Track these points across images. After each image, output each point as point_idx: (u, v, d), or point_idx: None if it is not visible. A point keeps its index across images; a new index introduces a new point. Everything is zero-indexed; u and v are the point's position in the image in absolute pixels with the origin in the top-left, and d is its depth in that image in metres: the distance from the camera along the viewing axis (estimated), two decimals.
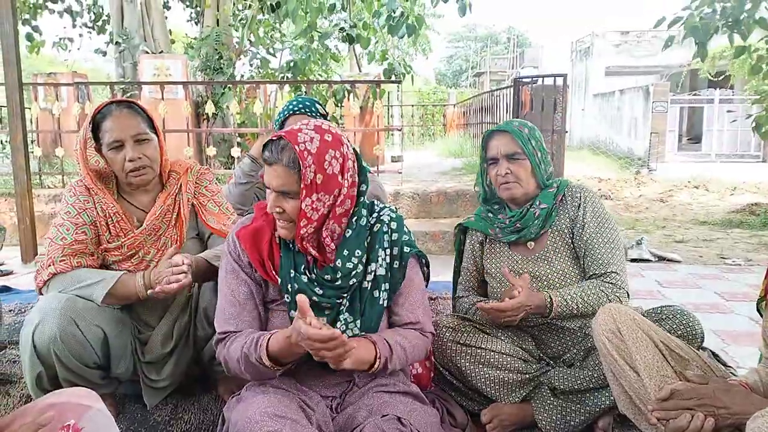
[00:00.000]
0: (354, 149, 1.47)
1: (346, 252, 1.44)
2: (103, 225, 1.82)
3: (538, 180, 1.87)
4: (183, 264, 1.66)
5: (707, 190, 9.74)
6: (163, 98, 5.15)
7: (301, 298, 1.25)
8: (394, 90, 11.82)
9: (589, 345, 1.77)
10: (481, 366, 1.76)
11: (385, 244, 1.50)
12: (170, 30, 9.08)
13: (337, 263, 1.44)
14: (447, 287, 2.28)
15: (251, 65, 8.70)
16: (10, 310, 2.90)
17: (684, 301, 3.29)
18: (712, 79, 13.53)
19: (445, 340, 1.80)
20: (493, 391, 1.77)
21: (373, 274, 1.48)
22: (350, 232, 1.46)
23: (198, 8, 9.14)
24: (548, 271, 1.86)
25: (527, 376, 1.78)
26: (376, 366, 1.39)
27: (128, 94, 6.57)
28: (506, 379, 1.76)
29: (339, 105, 7.13)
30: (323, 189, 1.36)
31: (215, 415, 1.87)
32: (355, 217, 1.46)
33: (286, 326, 1.43)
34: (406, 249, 1.52)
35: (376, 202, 1.57)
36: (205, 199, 1.98)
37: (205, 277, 1.78)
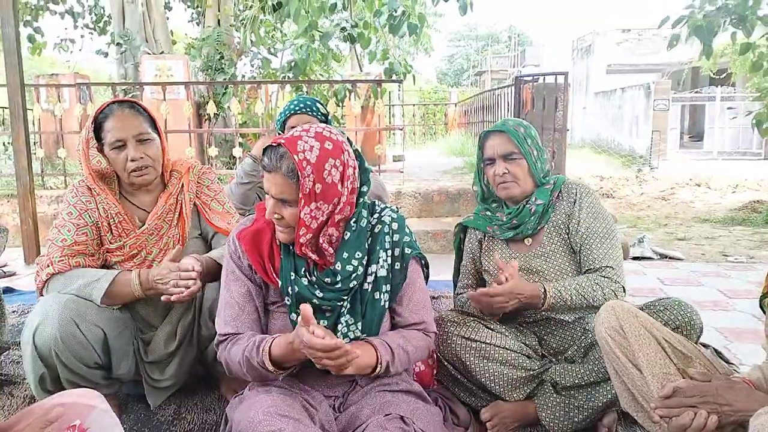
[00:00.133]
0: (356, 150, 1.46)
1: (345, 255, 1.44)
2: (105, 225, 1.82)
3: (535, 178, 1.88)
4: (193, 270, 1.65)
5: (709, 187, 9.73)
6: (164, 99, 5.15)
7: (305, 307, 1.24)
8: (395, 89, 11.83)
9: (590, 341, 1.78)
10: (486, 361, 1.76)
11: (387, 246, 1.49)
12: (171, 30, 9.10)
13: (336, 266, 1.43)
14: (449, 286, 2.29)
15: (252, 65, 8.72)
16: (13, 311, 2.90)
17: (686, 298, 3.28)
18: (713, 76, 13.51)
19: (450, 333, 1.80)
20: (498, 388, 1.76)
21: (373, 275, 1.47)
22: (349, 234, 1.45)
23: (199, 9, 9.15)
24: (545, 266, 1.86)
25: (532, 372, 1.78)
26: (377, 371, 1.39)
27: (130, 95, 6.57)
28: (511, 375, 1.76)
29: (340, 105, 7.13)
30: (322, 198, 1.35)
31: (218, 414, 1.87)
32: (354, 219, 1.45)
33: (286, 328, 1.43)
34: (408, 250, 1.51)
35: (377, 203, 1.56)
36: (208, 198, 1.98)
37: (214, 276, 1.77)
